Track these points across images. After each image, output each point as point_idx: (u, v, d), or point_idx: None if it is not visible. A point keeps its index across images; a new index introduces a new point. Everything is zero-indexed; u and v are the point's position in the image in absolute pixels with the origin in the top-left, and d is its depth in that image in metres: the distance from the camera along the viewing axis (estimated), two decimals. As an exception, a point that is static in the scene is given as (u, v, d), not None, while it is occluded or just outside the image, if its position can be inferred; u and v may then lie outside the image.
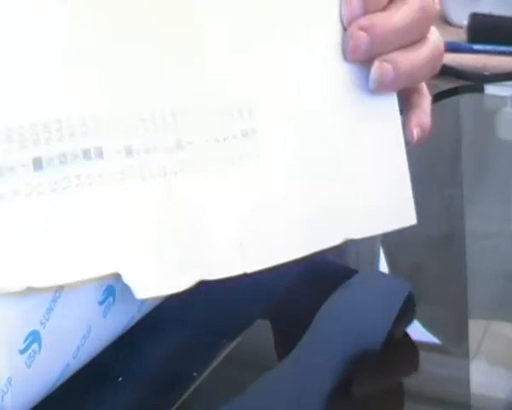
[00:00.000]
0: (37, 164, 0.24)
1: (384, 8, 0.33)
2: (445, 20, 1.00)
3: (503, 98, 0.70)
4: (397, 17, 0.33)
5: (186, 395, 0.28)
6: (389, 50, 0.32)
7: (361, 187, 0.32)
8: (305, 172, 0.30)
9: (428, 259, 0.42)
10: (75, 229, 0.24)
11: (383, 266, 0.41)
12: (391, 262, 0.41)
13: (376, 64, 0.32)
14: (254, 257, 0.28)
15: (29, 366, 0.24)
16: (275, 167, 0.29)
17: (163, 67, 0.27)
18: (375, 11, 0.32)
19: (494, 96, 0.71)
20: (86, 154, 0.25)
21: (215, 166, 0.28)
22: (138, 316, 0.30)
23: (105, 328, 0.27)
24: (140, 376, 0.29)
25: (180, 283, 0.26)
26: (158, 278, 0.25)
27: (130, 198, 0.25)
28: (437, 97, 0.72)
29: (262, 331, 0.34)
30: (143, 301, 0.29)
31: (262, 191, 0.29)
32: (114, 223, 0.25)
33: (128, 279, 0.24)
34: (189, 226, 0.26)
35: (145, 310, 0.30)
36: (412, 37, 0.33)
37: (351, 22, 0.32)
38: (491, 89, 0.71)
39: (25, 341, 0.24)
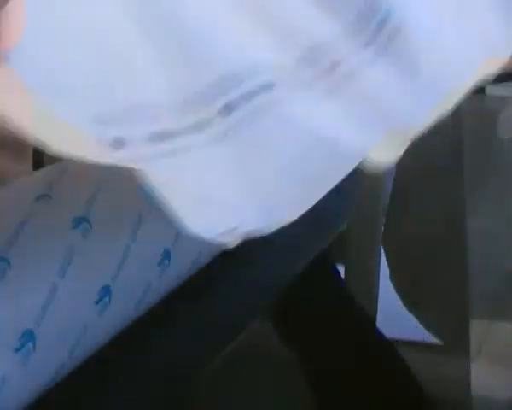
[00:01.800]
0: None
1: None
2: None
3: (505, 99, 0.70)
4: None
5: (186, 394, 0.28)
6: None
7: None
8: None
9: (429, 258, 0.42)
10: None
11: (383, 265, 0.41)
12: (392, 261, 0.41)
13: None
14: None
15: (23, 365, 0.24)
16: None
17: None
18: None
19: (496, 97, 0.71)
20: None
21: None
22: (135, 315, 0.30)
23: (101, 327, 0.27)
24: (141, 375, 0.29)
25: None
26: None
27: None
28: (438, 98, 0.72)
29: (263, 331, 0.33)
30: (141, 300, 0.29)
31: None
32: None
33: None
34: None
35: (142, 309, 0.30)
36: None
37: None
38: (492, 89, 0.71)
39: (19, 339, 0.23)
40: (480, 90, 0.71)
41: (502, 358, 0.32)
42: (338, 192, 0.49)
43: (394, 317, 0.35)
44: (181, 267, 0.31)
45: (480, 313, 0.35)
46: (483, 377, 0.30)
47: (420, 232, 0.44)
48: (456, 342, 0.34)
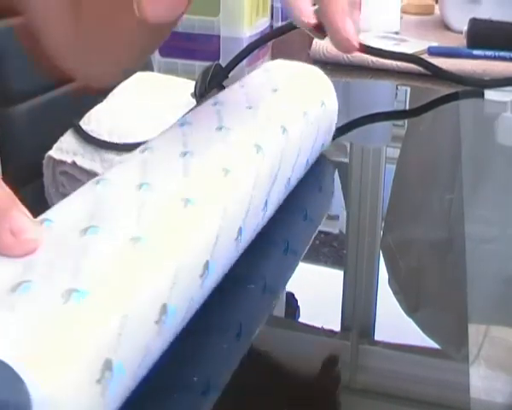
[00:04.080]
0: None
1: None
2: (444, 26, 1.00)
3: (503, 103, 0.70)
4: None
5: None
6: None
7: None
8: None
9: (428, 263, 0.42)
10: None
11: (383, 270, 0.41)
12: (391, 266, 0.41)
13: None
14: None
15: (103, 396, 0.23)
16: None
17: None
18: None
19: (494, 102, 0.71)
20: None
21: None
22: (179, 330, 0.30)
23: (159, 346, 0.27)
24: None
25: None
26: None
27: None
28: (437, 102, 0.72)
29: (272, 333, 0.33)
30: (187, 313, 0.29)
31: None
32: None
33: None
34: None
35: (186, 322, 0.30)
36: None
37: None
38: (490, 94, 0.71)
39: (101, 370, 0.23)
40: (478, 95, 0.71)
41: (500, 362, 0.32)
42: (320, 190, 0.50)
43: (393, 321, 0.35)
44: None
45: (479, 318, 0.35)
46: (481, 380, 0.30)
47: (418, 237, 0.44)
48: (454, 347, 0.34)
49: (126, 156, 0.33)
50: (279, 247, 0.41)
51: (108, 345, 0.23)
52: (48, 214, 0.27)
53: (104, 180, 0.30)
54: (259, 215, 0.37)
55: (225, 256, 0.33)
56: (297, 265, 0.40)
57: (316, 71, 0.49)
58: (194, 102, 0.61)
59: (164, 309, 0.26)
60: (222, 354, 0.31)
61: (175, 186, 0.30)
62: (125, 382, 0.25)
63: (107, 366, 0.23)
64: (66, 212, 0.28)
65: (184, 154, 0.32)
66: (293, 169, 0.41)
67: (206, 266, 0.30)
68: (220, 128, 0.36)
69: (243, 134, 0.37)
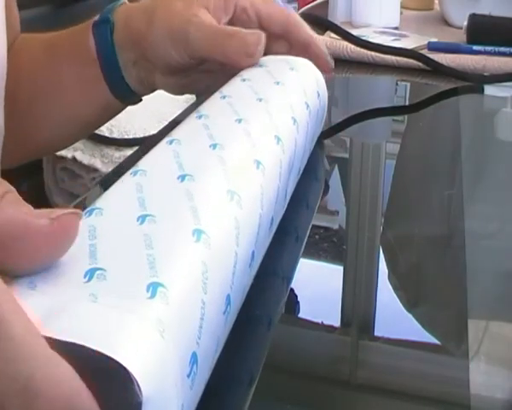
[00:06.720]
0: None
1: None
2: (444, 21, 1.00)
3: (503, 99, 0.70)
4: None
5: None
6: None
7: None
8: None
9: (428, 259, 0.42)
10: None
11: (382, 265, 0.41)
12: (390, 261, 0.41)
13: None
14: None
15: (191, 388, 0.23)
16: None
17: None
18: None
19: (494, 97, 0.71)
20: None
21: None
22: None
23: (225, 335, 0.27)
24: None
25: None
26: None
27: None
28: (437, 98, 0.72)
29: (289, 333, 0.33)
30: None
31: None
32: None
33: None
34: None
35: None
36: None
37: None
38: (490, 90, 0.71)
39: (189, 364, 0.22)
40: (478, 90, 0.71)
41: (500, 358, 0.32)
42: (316, 178, 0.51)
43: (393, 317, 0.35)
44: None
45: (478, 314, 0.35)
46: (481, 376, 0.30)
47: (418, 233, 0.44)
48: (454, 342, 0.34)
49: (155, 148, 0.33)
50: (291, 236, 0.41)
51: (195, 338, 0.23)
52: (97, 204, 0.26)
53: (141, 171, 0.29)
54: (283, 205, 0.38)
55: (264, 246, 0.34)
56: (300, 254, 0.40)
57: (306, 62, 0.50)
58: (193, 97, 0.61)
59: (228, 300, 0.27)
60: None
61: (216, 178, 0.30)
62: (204, 374, 0.25)
63: (194, 359, 0.23)
64: (114, 201, 0.27)
65: (214, 146, 0.32)
66: (302, 159, 0.42)
67: (253, 255, 0.30)
68: (239, 121, 0.36)
69: (262, 126, 0.37)
